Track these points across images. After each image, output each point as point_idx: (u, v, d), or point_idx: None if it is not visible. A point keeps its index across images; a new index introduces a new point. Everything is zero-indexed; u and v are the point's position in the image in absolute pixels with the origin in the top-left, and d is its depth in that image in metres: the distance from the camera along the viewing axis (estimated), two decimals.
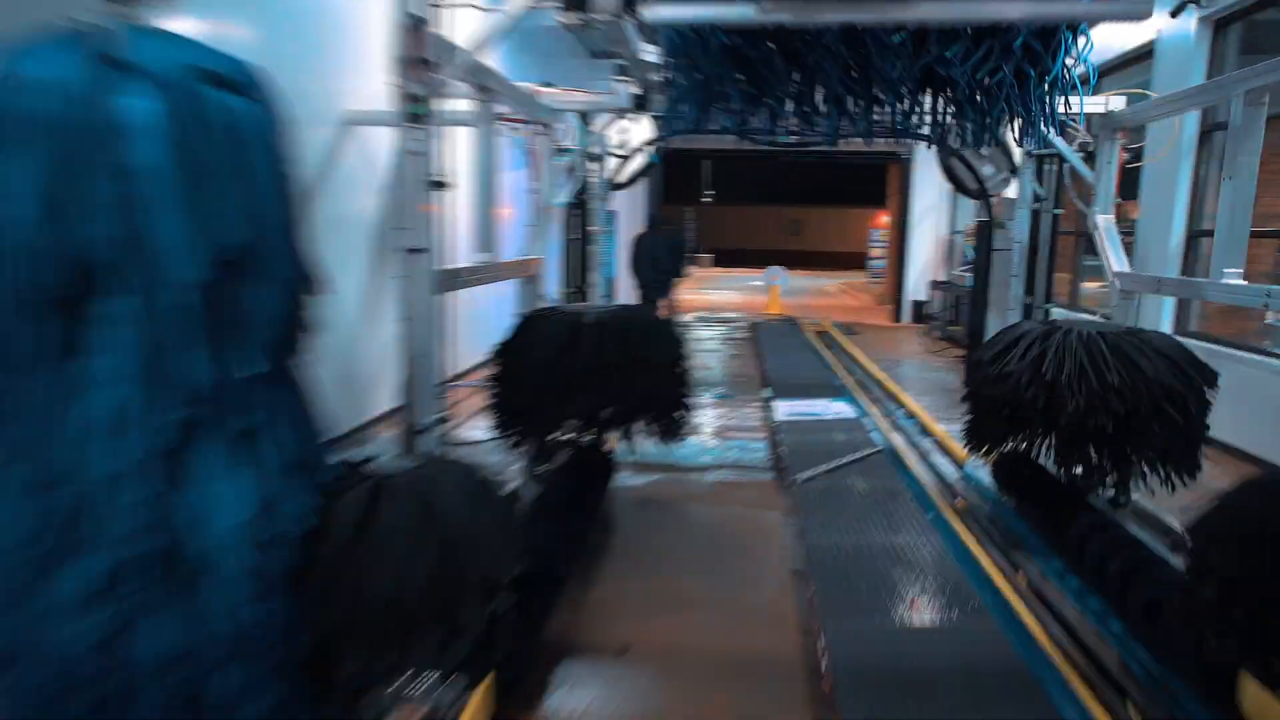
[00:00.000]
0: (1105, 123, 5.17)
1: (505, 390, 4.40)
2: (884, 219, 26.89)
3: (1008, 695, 2.86)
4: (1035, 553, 4.07)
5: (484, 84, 4.15)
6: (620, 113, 5.68)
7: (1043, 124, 3.68)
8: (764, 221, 43.86)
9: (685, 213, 37.82)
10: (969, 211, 13.85)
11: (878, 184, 27.25)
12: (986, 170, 7.53)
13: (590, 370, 4.23)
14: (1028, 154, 6.47)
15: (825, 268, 36.55)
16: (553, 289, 10.25)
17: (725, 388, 8.57)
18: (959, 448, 5.86)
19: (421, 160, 3.37)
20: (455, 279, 3.85)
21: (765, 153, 15.81)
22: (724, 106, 3.84)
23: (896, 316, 15.10)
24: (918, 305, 14.69)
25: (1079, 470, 4.09)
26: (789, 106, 3.88)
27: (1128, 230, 7.58)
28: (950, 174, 7.75)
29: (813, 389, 8.37)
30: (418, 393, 3.50)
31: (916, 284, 14.84)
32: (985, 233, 7.28)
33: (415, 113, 3.28)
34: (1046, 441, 4.22)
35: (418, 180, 3.38)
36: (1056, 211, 6.60)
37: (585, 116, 6.41)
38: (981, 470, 5.34)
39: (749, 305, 18.50)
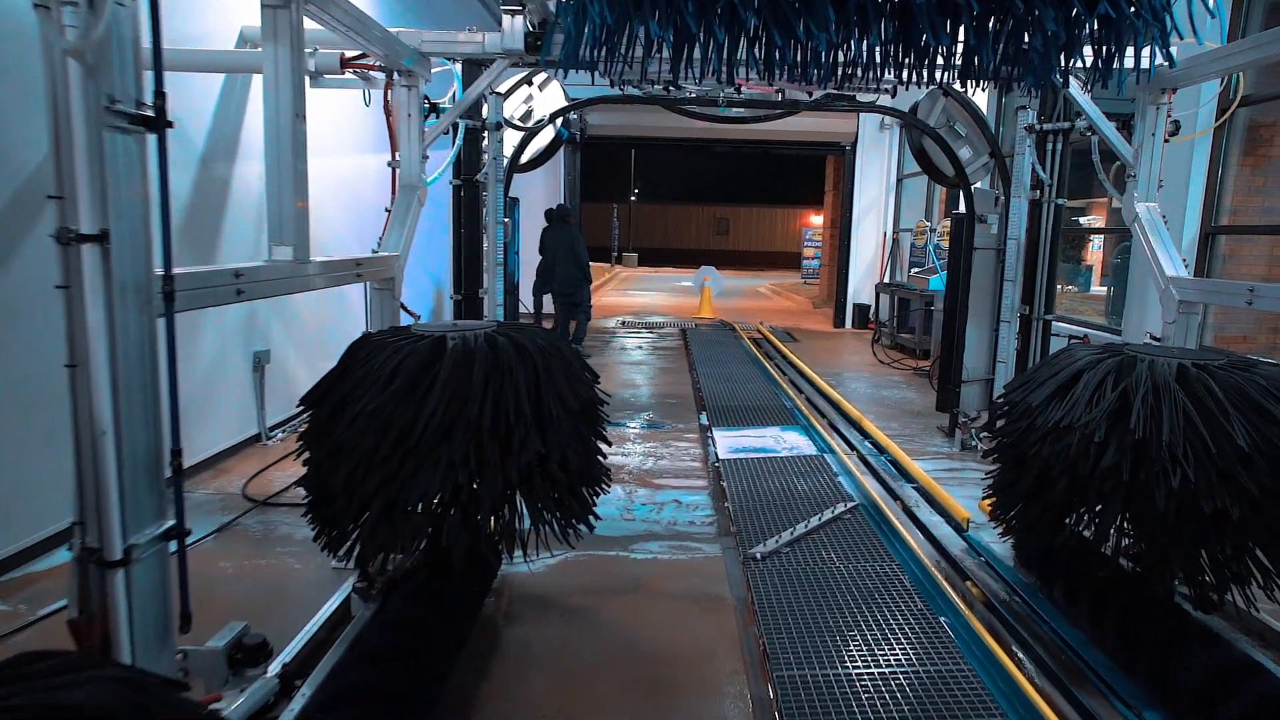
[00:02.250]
0: (1148, 82, 3.92)
1: (321, 457, 2.84)
2: (814, 218, 25.99)
3: None
4: (1118, 695, 2.75)
5: None
6: (510, 57, 4.16)
7: (1153, 53, 2.36)
8: (690, 220, 42.87)
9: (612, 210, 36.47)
10: (918, 207, 12.79)
11: (809, 181, 26.31)
12: (964, 154, 6.30)
13: (450, 425, 2.71)
14: (1027, 129, 5.24)
15: (753, 267, 35.69)
16: (429, 296, 8.62)
17: (654, 413, 7.13)
18: (952, 500, 4.57)
19: (94, 68, 1.81)
20: (205, 290, 2.29)
21: (695, 142, 14.47)
22: (652, 14, 2.39)
23: (838, 321, 13.94)
24: (861, 309, 13.57)
25: (1179, 571, 2.78)
26: (754, 24, 2.46)
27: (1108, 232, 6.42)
28: (923, 158, 6.50)
29: (758, 413, 7.03)
30: (106, 496, 1.93)
31: (859, 286, 13.72)
32: (963, 228, 6.05)
33: None
34: (1128, 525, 2.90)
35: (90, 107, 1.82)
36: (1060, 201, 5.40)
37: (467, 66, 4.89)
38: (988, 533, 4.05)
39: (679, 308, 17.15)
